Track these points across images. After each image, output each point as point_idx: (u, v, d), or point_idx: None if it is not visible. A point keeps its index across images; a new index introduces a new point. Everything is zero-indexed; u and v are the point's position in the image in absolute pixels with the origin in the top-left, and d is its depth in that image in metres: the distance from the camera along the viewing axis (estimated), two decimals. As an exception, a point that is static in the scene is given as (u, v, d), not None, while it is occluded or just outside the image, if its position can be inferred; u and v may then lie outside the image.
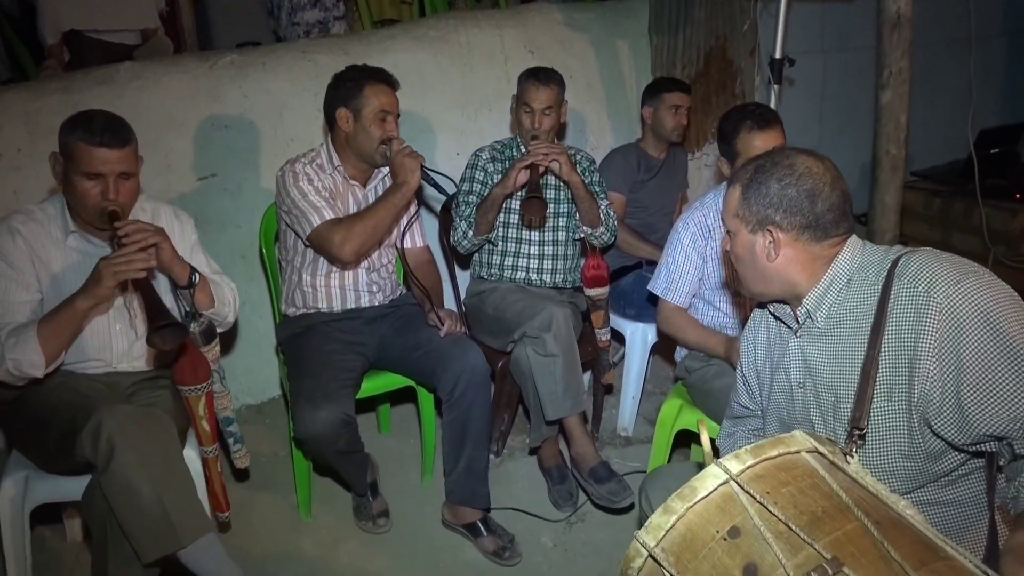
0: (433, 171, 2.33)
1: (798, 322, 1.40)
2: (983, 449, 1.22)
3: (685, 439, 2.42)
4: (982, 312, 1.16)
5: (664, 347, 2.84)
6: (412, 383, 2.44)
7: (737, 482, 1.01)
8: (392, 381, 2.42)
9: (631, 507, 2.30)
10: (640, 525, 2.14)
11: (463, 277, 3.02)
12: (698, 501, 1.01)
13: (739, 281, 1.47)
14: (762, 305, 1.53)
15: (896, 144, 2.42)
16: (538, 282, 2.68)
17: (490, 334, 2.57)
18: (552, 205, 2.66)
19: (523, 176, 2.47)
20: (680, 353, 2.38)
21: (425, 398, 2.48)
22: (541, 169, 2.49)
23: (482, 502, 2.35)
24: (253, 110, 3.01)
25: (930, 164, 4.22)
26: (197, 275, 1.92)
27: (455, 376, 2.25)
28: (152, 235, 1.80)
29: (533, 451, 2.65)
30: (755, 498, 0.99)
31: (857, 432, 1.21)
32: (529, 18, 3.60)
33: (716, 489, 1.02)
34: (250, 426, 2.93)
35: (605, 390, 2.88)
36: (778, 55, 2.95)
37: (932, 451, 1.25)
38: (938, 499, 1.29)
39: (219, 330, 2.06)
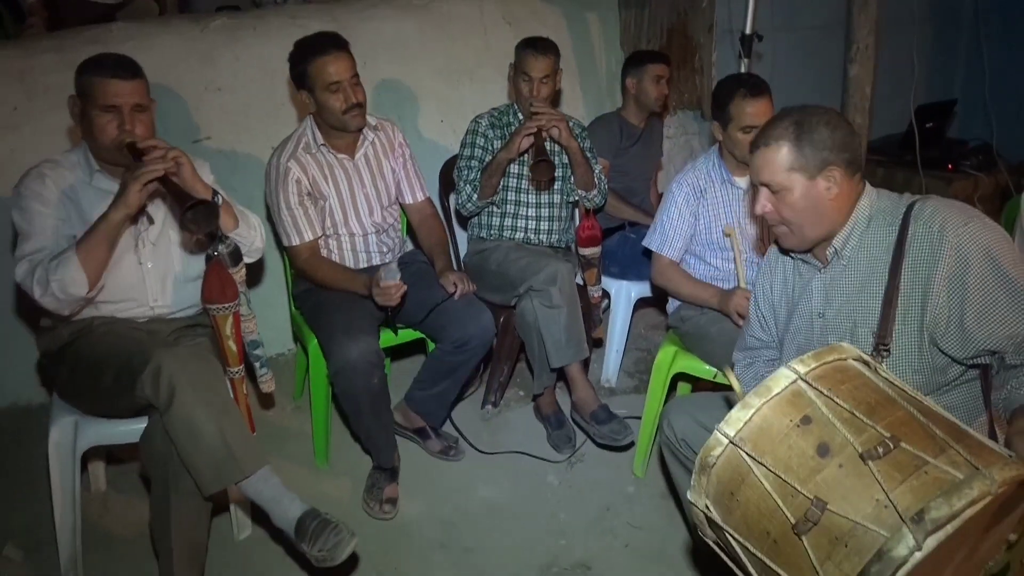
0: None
1: (825, 261, 1.60)
2: (979, 363, 1.47)
3: (672, 383, 2.62)
4: (984, 249, 1.42)
5: (655, 300, 3.04)
6: (422, 336, 2.57)
7: (806, 380, 1.20)
8: (404, 334, 2.54)
9: (630, 445, 2.50)
10: (646, 461, 2.30)
11: (460, 236, 3.14)
12: (772, 397, 1.19)
13: (785, 236, 1.61)
14: (784, 252, 1.73)
15: (862, 114, 2.68)
16: (536, 241, 2.83)
17: (492, 290, 2.70)
18: None
19: (526, 142, 2.60)
20: (672, 305, 2.57)
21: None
22: (543, 135, 2.62)
23: (437, 421, 2.65)
24: (245, 73, 3.05)
25: (870, 137, 4.55)
26: (220, 196, 1.97)
27: (467, 336, 2.39)
28: (172, 149, 1.87)
29: (535, 398, 2.81)
30: (822, 392, 1.18)
31: (883, 347, 1.43)
32: (506, -10, 3.72)
33: (787, 387, 1.20)
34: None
35: (595, 343, 3.06)
36: (748, 31, 3.17)
37: (937, 365, 1.50)
38: (938, 404, 1.53)
39: (249, 259, 2.11)
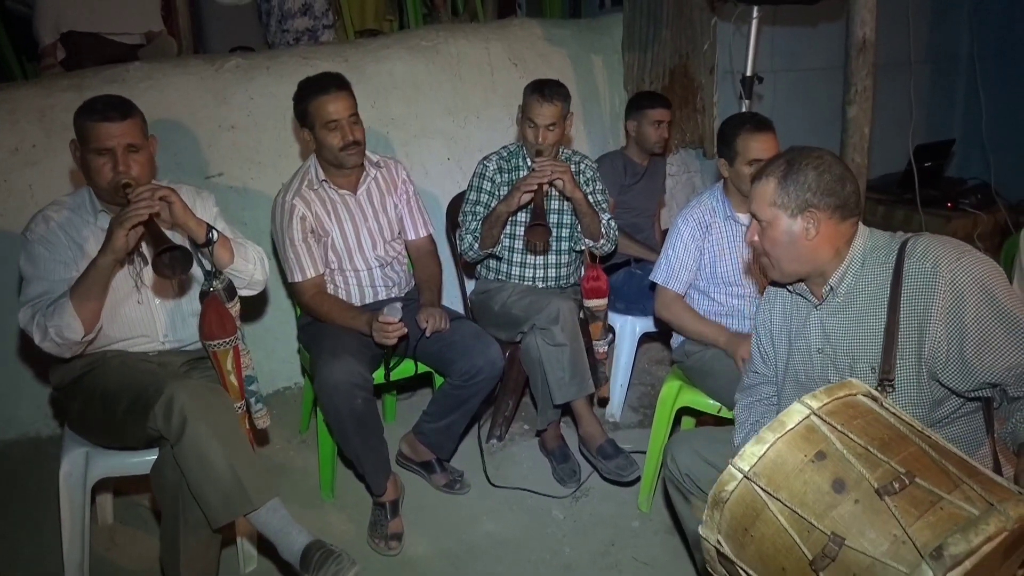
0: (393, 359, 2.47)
1: (820, 298, 1.64)
2: (980, 395, 1.49)
3: (677, 417, 2.63)
4: (979, 282, 1.45)
5: (659, 335, 3.07)
6: (430, 370, 2.59)
7: (819, 415, 1.21)
8: (411, 368, 2.55)
9: (636, 480, 2.51)
10: (650, 496, 2.31)
11: (466, 273, 3.18)
12: (786, 432, 1.21)
13: (768, 267, 1.68)
14: (779, 285, 1.77)
15: (860, 154, 2.73)
16: (543, 285, 2.83)
17: (497, 327, 2.72)
18: (556, 216, 2.78)
19: (527, 197, 2.55)
20: (676, 339, 2.60)
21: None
22: (545, 187, 2.55)
23: (445, 454, 2.65)
24: (258, 112, 3.12)
25: (869, 176, 4.61)
26: (215, 232, 1.98)
27: (476, 368, 2.40)
28: (159, 190, 1.87)
29: (539, 433, 2.82)
30: (835, 428, 1.19)
31: (887, 382, 1.46)
32: (512, 32, 3.82)
33: (801, 422, 1.21)
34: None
35: (599, 402, 2.90)
36: (749, 73, 3.25)
37: (936, 399, 1.53)
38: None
39: (251, 291, 2.15)
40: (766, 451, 1.20)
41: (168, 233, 1.89)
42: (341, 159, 2.41)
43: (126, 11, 3.36)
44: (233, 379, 2.01)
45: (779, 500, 1.17)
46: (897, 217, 4.08)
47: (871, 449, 1.16)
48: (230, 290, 2.03)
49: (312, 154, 2.53)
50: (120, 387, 1.88)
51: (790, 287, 1.73)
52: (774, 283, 1.79)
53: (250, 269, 2.11)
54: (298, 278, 2.45)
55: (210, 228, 1.97)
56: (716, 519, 1.26)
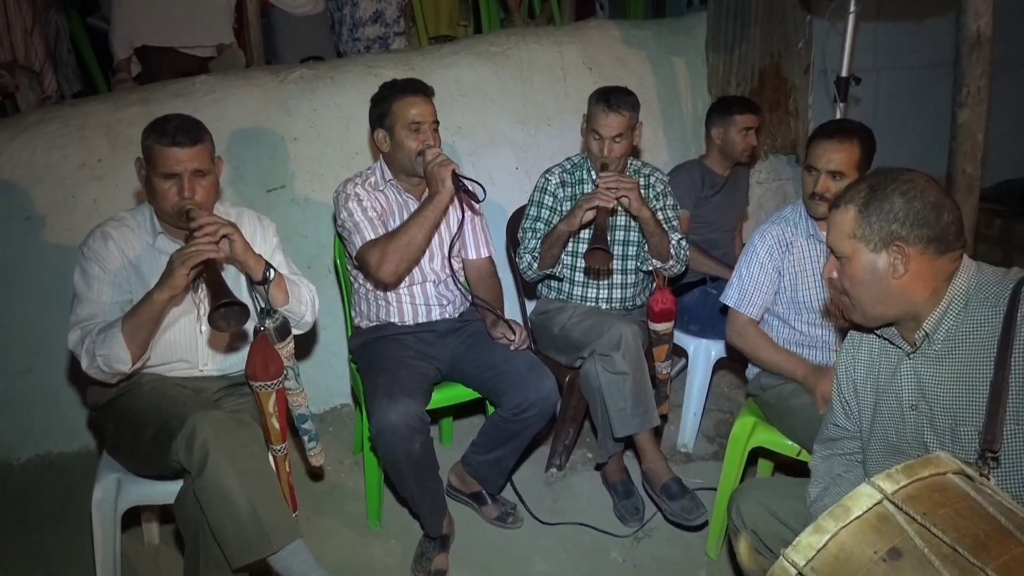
0: (465, 178, 2.24)
1: (913, 344, 1.39)
2: None
3: (753, 456, 2.39)
4: None
5: (731, 361, 2.83)
6: (481, 396, 2.44)
7: (893, 502, 1.00)
8: (462, 393, 2.42)
9: (704, 524, 2.29)
10: (720, 541, 2.10)
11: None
12: (852, 521, 1.00)
13: (848, 308, 1.45)
14: (862, 329, 1.52)
15: (972, 163, 2.40)
16: (607, 307, 2.66)
17: (556, 350, 2.58)
18: (622, 234, 2.61)
19: (590, 215, 2.36)
20: (752, 369, 2.36)
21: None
22: (610, 206, 2.36)
23: (494, 488, 2.50)
24: (321, 123, 3.07)
25: (984, 184, 4.18)
26: (272, 271, 1.91)
27: (528, 401, 2.24)
28: (223, 227, 1.81)
29: (599, 466, 2.63)
30: (914, 519, 0.98)
31: (990, 454, 1.20)
32: (587, 35, 3.64)
33: (871, 509, 1.00)
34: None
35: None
36: (844, 73, 2.96)
37: None
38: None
39: (297, 331, 2.05)
40: (826, 542, 1.00)
41: (226, 266, 1.82)
42: (415, 164, 2.30)
43: (198, 25, 3.39)
44: (275, 421, 1.92)
45: None
46: (1017, 232, 3.65)
47: (960, 550, 0.94)
48: (282, 330, 1.93)
49: (379, 160, 2.43)
50: (149, 413, 1.83)
51: (877, 330, 1.48)
52: (856, 326, 1.54)
53: (301, 311, 2.04)
54: (368, 236, 2.26)
55: (268, 266, 1.91)
56: None
